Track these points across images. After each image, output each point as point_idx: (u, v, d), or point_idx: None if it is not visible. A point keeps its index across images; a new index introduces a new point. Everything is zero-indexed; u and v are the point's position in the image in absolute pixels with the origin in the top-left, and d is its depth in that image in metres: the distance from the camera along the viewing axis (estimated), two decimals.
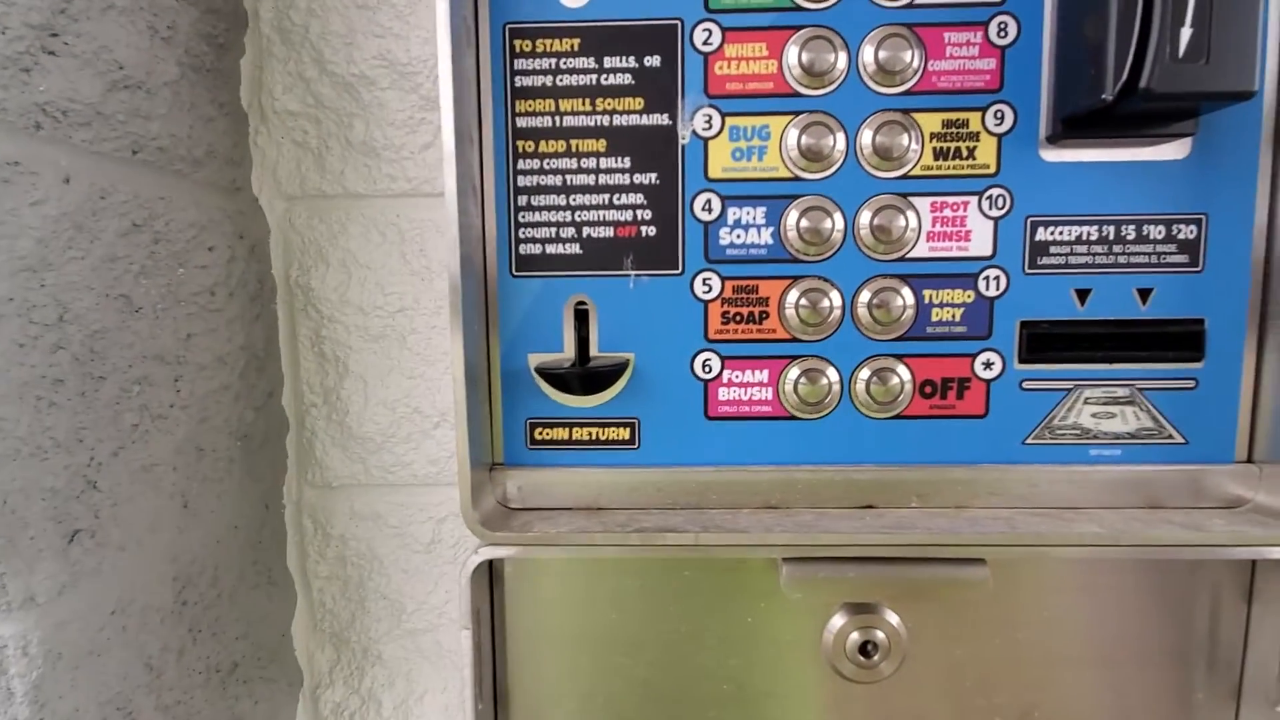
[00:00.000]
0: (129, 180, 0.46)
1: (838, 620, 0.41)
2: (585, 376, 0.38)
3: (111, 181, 0.45)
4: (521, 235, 0.41)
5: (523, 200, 0.41)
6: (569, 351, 0.41)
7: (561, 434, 0.42)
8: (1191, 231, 0.39)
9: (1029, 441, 0.41)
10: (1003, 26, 0.39)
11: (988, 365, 0.41)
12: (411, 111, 0.60)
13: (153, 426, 0.47)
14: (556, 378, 0.38)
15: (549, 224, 0.41)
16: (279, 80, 0.59)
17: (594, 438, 0.42)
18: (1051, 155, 0.39)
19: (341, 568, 0.64)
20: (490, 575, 0.41)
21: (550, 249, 0.41)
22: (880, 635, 0.40)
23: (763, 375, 0.41)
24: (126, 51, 0.46)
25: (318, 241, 0.62)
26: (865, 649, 0.40)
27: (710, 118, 0.40)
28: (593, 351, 0.41)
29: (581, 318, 0.41)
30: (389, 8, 0.59)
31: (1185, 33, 0.33)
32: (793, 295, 0.41)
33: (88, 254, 0.43)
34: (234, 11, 0.57)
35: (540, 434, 0.42)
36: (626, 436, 0.42)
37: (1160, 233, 0.39)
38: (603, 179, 0.40)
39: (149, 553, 0.46)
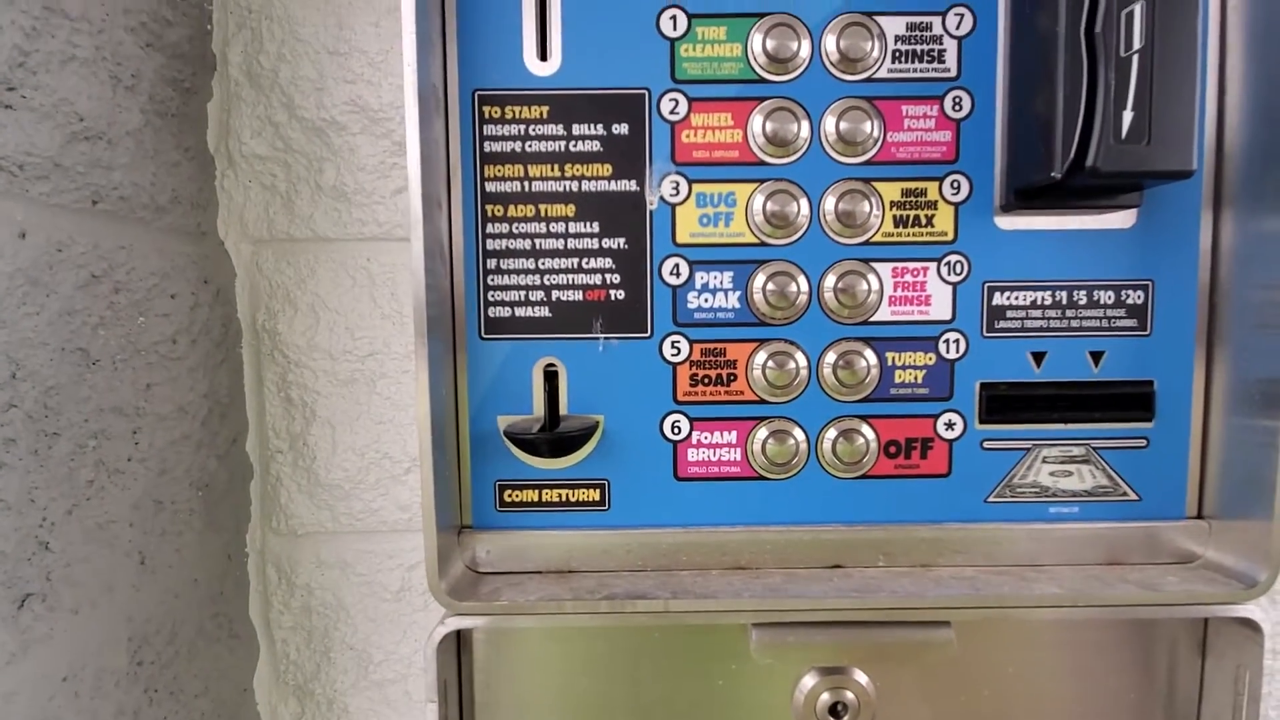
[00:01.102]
0: (88, 231, 0.45)
1: (808, 681, 0.41)
2: (554, 441, 0.38)
3: (70, 234, 0.44)
4: (491, 298, 0.41)
5: (492, 263, 0.41)
6: (539, 412, 0.41)
7: (531, 496, 0.41)
8: (1139, 297, 0.41)
9: (991, 500, 0.42)
10: (957, 101, 0.40)
11: (949, 425, 0.42)
12: (383, 157, 0.60)
13: (109, 482, 0.46)
14: (526, 442, 0.38)
15: (518, 287, 0.41)
16: (247, 125, 0.59)
17: (564, 499, 0.41)
18: (1006, 223, 0.41)
19: (306, 618, 0.62)
20: (458, 640, 0.41)
21: (520, 312, 0.41)
22: (850, 695, 0.40)
23: (731, 436, 0.41)
24: (88, 103, 0.45)
25: (285, 285, 0.61)
26: (835, 709, 0.40)
27: (678, 184, 0.40)
28: (562, 413, 0.41)
29: (551, 379, 0.41)
30: (361, 55, 0.59)
31: (1127, 116, 0.35)
32: (760, 357, 0.41)
33: (43, 309, 0.42)
34: (201, 56, 0.57)
35: (510, 496, 0.42)
36: (597, 498, 0.41)
37: (1110, 298, 0.41)
38: (572, 243, 0.41)
39: (103, 614, 0.45)
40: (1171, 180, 0.36)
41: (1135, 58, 0.35)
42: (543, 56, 0.40)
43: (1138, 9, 0.34)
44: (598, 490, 0.41)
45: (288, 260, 0.62)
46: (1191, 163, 0.35)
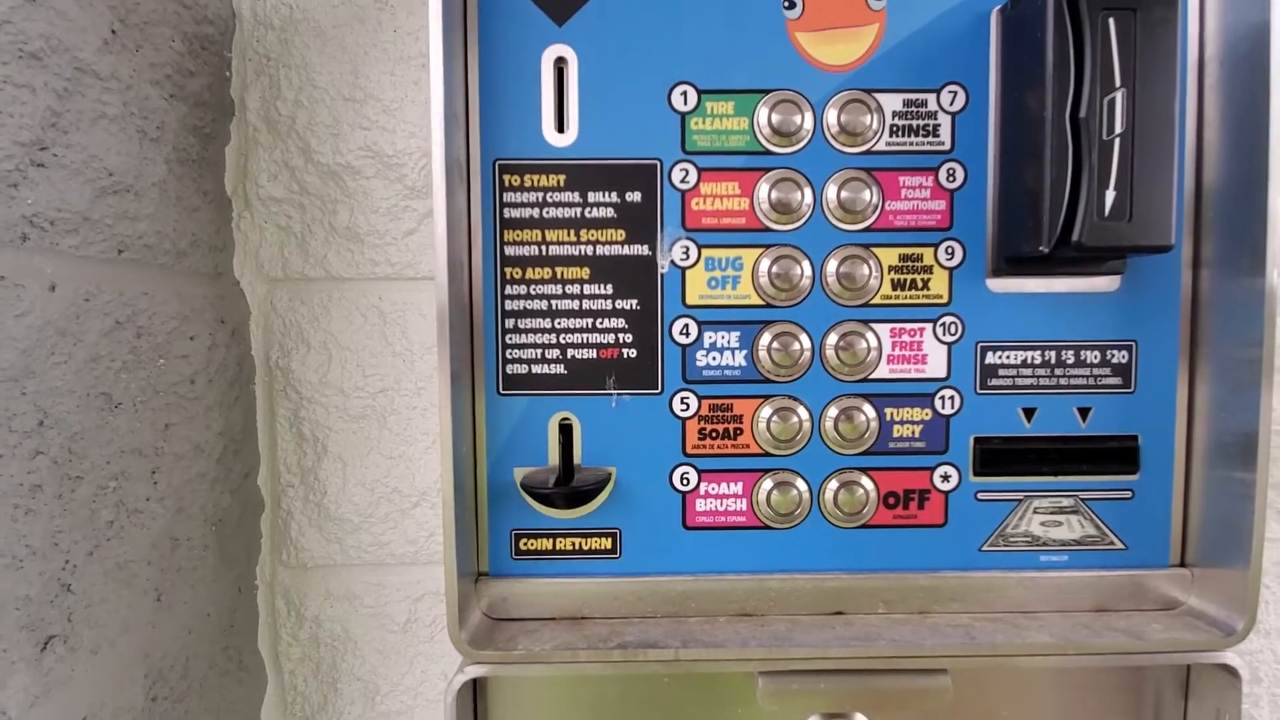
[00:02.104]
0: (114, 280, 0.47)
1: None
2: (569, 495, 0.39)
3: (97, 283, 0.46)
4: (509, 356, 0.43)
5: (510, 323, 0.43)
6: (554, 464, 0.43)
7: (546, 544, 0.43)
8: (1124, 356, 0.43)
9: (985, 548, 0.44)
10: (951, 172, 0.43)
11: (945, 478, 0.44)
12: (396, 199, 0.62)
13: (128, 522, 0.47)
14: (542, 495, 0.40)
15: (535, 345, 0.43)
16: (264, 168, 0.61)
17: (577, 548, 0.43)
18: (998, 286, 0.43)
19: (314, 649, 0.63)
20: (474, 687, 0.42)
21: (536, 369, 0.43)
22: None
23: (737, 487, 0.43)
24: (116, 158, 0.47)
25: (299, 324, 0.63)
26: None
27: (688, 249, 0.42)
28: (576, 463, 0.43)
29: (566, 433, 0.43)
30: (375, 102, 0.61)
31: (1110, 194, 0.37)
32: (765, 413, 0.43)
33: (70, 358, 0.44)
34: (220, 102, 0.59)
35: (525, 544, 0.43)
36: (609, 546, 0.43)
37: (1096, 357, 0.43)
38: (586, 304, 0.43)
39: (122, 653, 0.46)
40: (1152, 253, 0.39)
41: (1117, 141, 0.37)
42: (560, 128, 0.42)
43: (1119, 97, 0.37)
44: (610, 539, 0.43)
45: (301, 299, 0.63)
46: (1170, 238, 0.37)
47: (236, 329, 0.60)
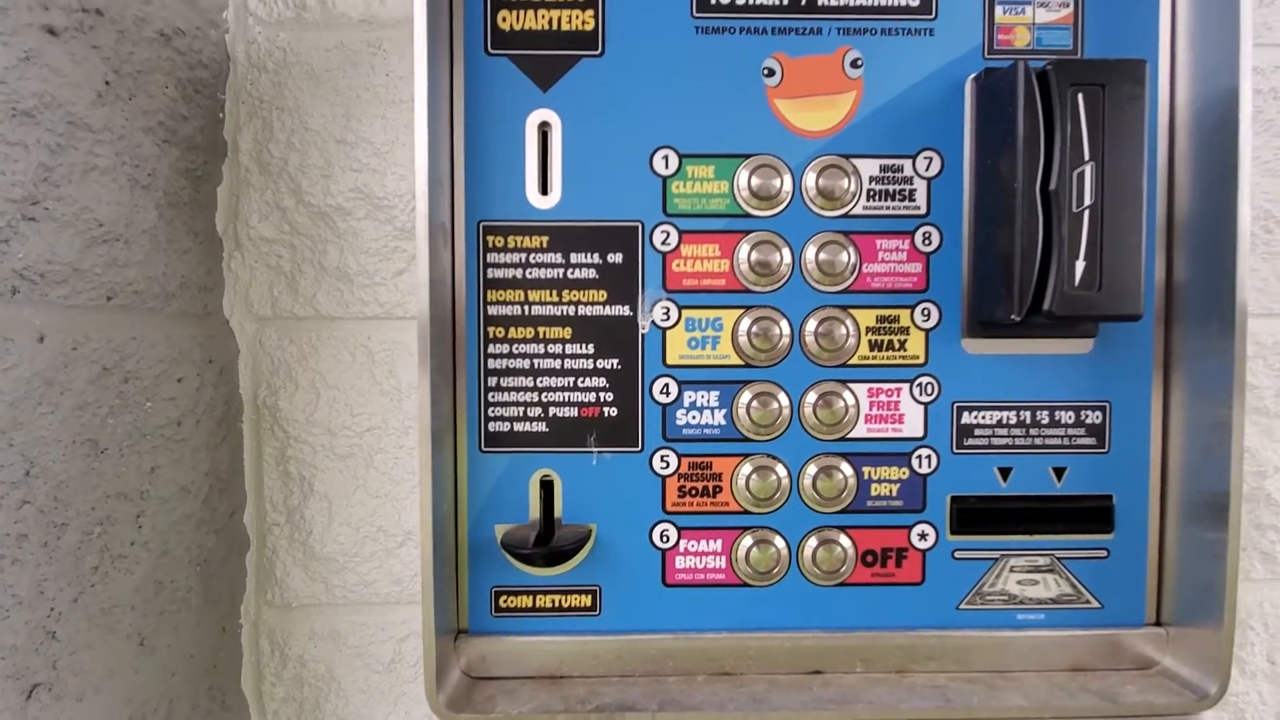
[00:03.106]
0: (102, 327, 0.47)
1: None
2: (549, 555, 0.40)
3: (85, 332, 0.46)
4: (491, 414, 0.43)
5: (493, 381, 0.43)
6: (534, 516, 0.43)
7: (526, 601, 0.43)
8: (1097, 417, 0.44)
9: (962, 607, 0.44)
10: (927, 236, 0.43)
11: (923, 536, 0.44)
12: (386, 240, 0.62)
13: (113, 568, 0.48)
14: (522, 555, 0.40)
15: (518, 403, 0.43)
16: (255, 209, 0.61)
17: (557, 605, 0.43)
18: (973, 347, 0.44)
19: (298, 689, 0.63)
20: None
21: (518, 427, 0.43)
22: None
23: (717, 545, 0.44)
24: (107, 208, 0.47)
25: (287, 363, 0.63)
26: None
27: (668, 310, 0.43)
28: (558, 515, 0.43)
29: (547, 489, 0.43)
30: (367, 144, 0.62)
31: (1080, 265, 0.38)
32: (744, 471, 0.44)
33: (57, 407, 0.44)
34: (213, 144, 0.59)
35: (505, 601, 0.44)
36: (589, 604, 0.44)
37: (1070, 418, 0.44)
38: (568, 363, 0.43)
39: (106, 699, 0.46)
40: (1122, 321, 0.39)
41: (1086, 213, 0.38)
42: (544, 191, 0.43)
43: (1088, 170, 0.38)
44: (589, 596, 0.44)
45: (290, 338, 0.64)
46: (1139, 308, 0.38)
47: (225, 368, 0.61)
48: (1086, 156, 0.38)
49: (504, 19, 0.43)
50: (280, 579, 0.62)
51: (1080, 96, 0.38)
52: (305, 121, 0.61)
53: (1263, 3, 0.62)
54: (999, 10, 0.43)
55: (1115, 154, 0.38)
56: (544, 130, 0.43)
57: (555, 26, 0.42)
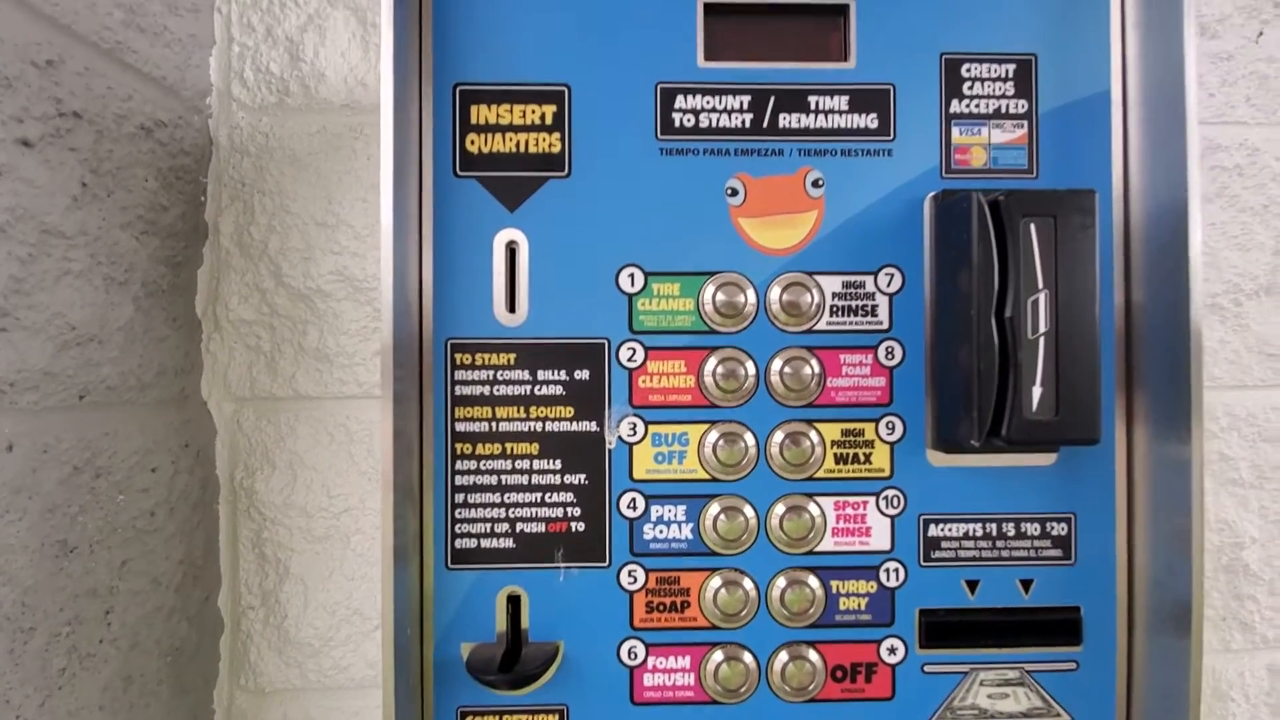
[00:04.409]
0: (74, 426, 0.47)
1: None
2: (514, 679, 0.39)
3: (56, 434, 0.45)
4: (458, 530, 0.43)
5: (460, 498, 0.43)
6: (501, 628, 0.43)
7: None
8: (1063, 529, 0.44)
9: None
10: (890, 350, 0.44)
11: (892, 650, 0.44)
12: (365, 321, 0.63)
13: (80, 669, 0.47)
14: (487, 681, 0.40)
15: (485, 520, 0.43)
16: (235, 291, 0.61)
17: None
18: (938, 460, 0.44)
19: None
20: None
21: (485, 543, 0.43)
22: None
23: (685, 661, 0.43)
24: (80, 311, 0.47)
25: (265, 444, 0.63)
26: None
27: (635, 425, 0.43)
28: (524, 627, 0.43)
29: (514, 605, 0.43)
30: (348, 228, 0.63)
31: (1036, 391, 0.39)
32: (712, 585, 0.44)
33: (26, 513, 0.43)
34: (194, 228, 0.60)
35: None
36: None
37: (1036, 529, 0.44)
38: (535, 479, 0.43)
39: None
40: (1080, 445, 0.40)
41: (1042, 340, 0.39)
42: (511, 309, 0.43)
43: (1042, 298, 0.39)
44: (557, 715, 0.43)
45: (268, 419, 0.64)
46: (1097, 433, 0.39)
47: (201, 450, 0.60)
48: (1040, 285, 0.39)
49: (472, 142, 0.43)
50: (254, 663, 0.61)
51: (1033, 227, 0.38)
52: (286, 205, 0.62)
53: (1225, 82, 0.65)
54: (956, 131, 0.44)
55: (1069, 282, 0.39)
56: (511, 249, 0.43)
57: (523, 149, 0.43)
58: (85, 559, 0.48)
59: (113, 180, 0.51)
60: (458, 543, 0.43)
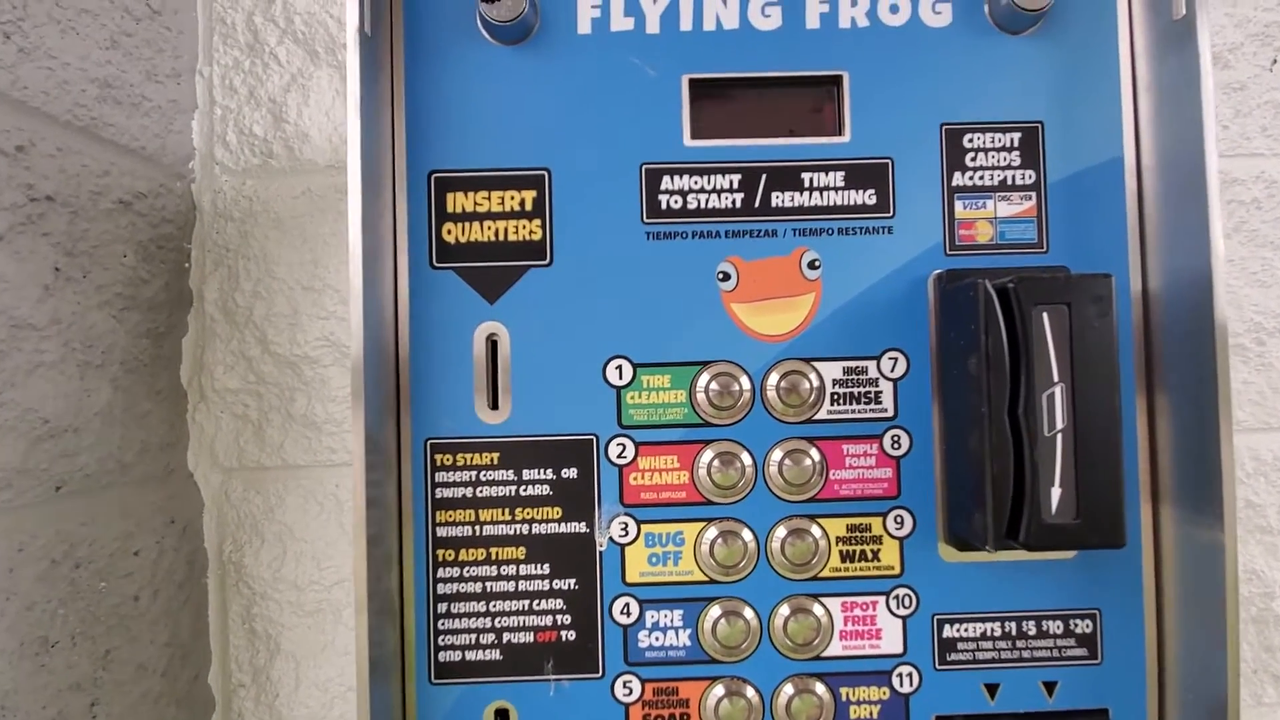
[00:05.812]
0: (50, 520, 0.45)
1: None
2: None
3: (31, 530, 0.44)
4: (441, 642, 0.41)
5: (442, 608, 0.41)
6: None
7: None
8: (1088, 626, 0.41)
9: None
10: (896, 439, 0.41)
11: None
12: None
13: None
14: None
15: (469, 630, 0.41)
16: (220, 360, 0.60)
17: None
18: (951, 555, 0.41)
19: None
20: None
21: (470, 655, 0.41)
22: None
23: None
24: (54, 404, 0.46)
25: (253, 515, 0.61)
26: None
27: (626, 525, 0.41)
28: None
29: (503, 718, 0.40)
30: (334, 292, 0.61)
31: (1055, 492, 0.36)
32: (714, 695, 0.41)
33: (3, 614, 0.42)
34: (178, 297, 0.58)
35: None
36: None
37: (1059, 628, 0.41)
38: (523, 585, 0.41)
39: None
40: (1104, 549, 0.37)
41: (1059, 437, 0.36)
42: (493, 405, 0.41)
43: (1058, 391, 0.36)
44: None
45: (256, 489, 0.62)
46: (1122, 538, 0.36)
47: (188, 525, 0.58)
48: (1055, 378, 0.36)
49: (449, 231, 0.41)
50: None
51: (1045, 316, 0.36)
52: (271, 269, 0.60)
53: (1239, 113, 0.62)
54: (959, 205, 0.42)
55: (1086, 374, 0.36)
56: (493, 343, 0.41)
57: (502, 237, 0.41)
58: (67, 653, 0.46)
59: (89, 260, 0.49)
60: (441, 655, 0.41)
